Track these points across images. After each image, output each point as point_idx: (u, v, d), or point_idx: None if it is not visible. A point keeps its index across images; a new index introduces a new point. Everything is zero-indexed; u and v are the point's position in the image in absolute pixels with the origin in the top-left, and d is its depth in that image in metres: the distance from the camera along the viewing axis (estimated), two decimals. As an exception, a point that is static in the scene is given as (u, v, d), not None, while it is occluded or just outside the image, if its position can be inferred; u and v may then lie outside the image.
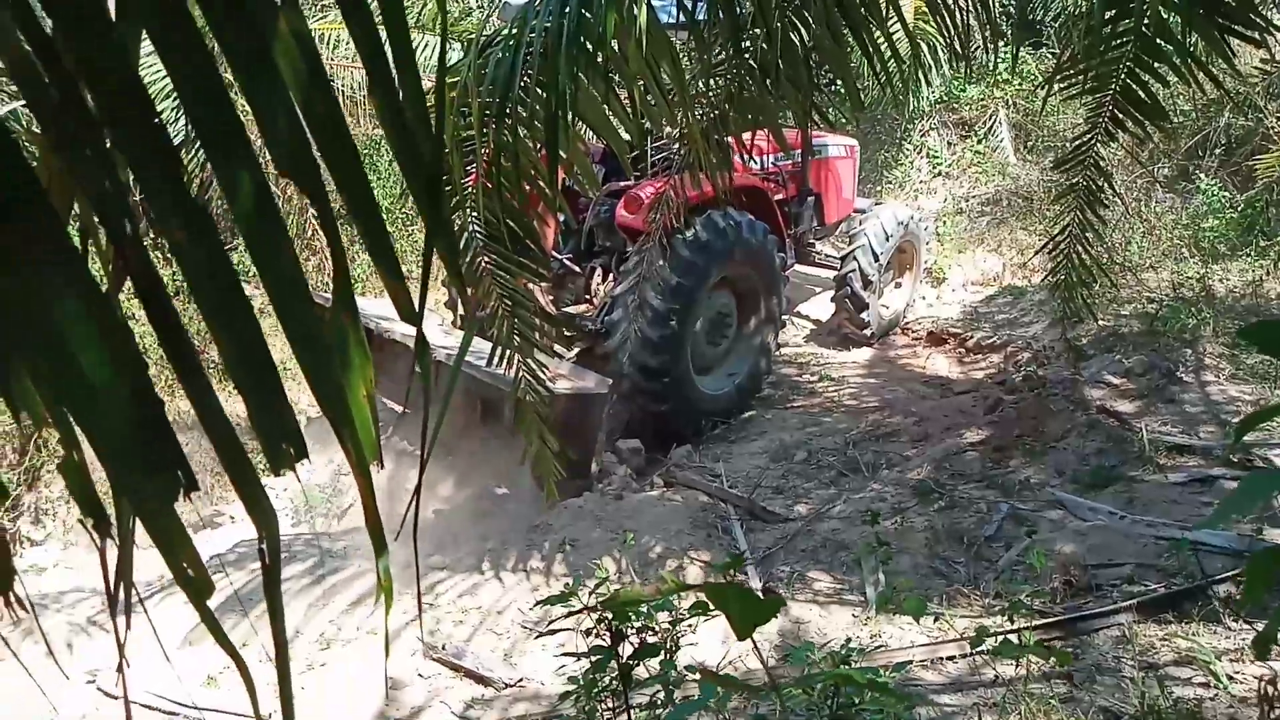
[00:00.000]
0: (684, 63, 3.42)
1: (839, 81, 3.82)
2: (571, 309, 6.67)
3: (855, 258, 7.82)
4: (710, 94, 3.79)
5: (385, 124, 0.69)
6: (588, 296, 6.76)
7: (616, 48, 2.78)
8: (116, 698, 4.17)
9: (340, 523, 6.44)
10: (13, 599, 0.57)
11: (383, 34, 0.69)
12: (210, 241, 0.61)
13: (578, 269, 6.89)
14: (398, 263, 0.68)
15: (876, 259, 7.86)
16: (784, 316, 7.65)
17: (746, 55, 3.51)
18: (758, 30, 3.33)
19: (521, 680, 3.98)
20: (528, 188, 3.33)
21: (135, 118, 0.59)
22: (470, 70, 2.94)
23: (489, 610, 4.57)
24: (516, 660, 4.18)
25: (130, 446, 0.59)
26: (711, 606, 2.11)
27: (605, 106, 3.06)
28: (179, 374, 0.62)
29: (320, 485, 6.70)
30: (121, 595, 0.75)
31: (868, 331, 8.24)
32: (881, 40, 3.39)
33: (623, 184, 6.65)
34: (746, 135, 3.97)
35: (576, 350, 6.68)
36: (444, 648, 4.24)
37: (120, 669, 0.77)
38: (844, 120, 8.37)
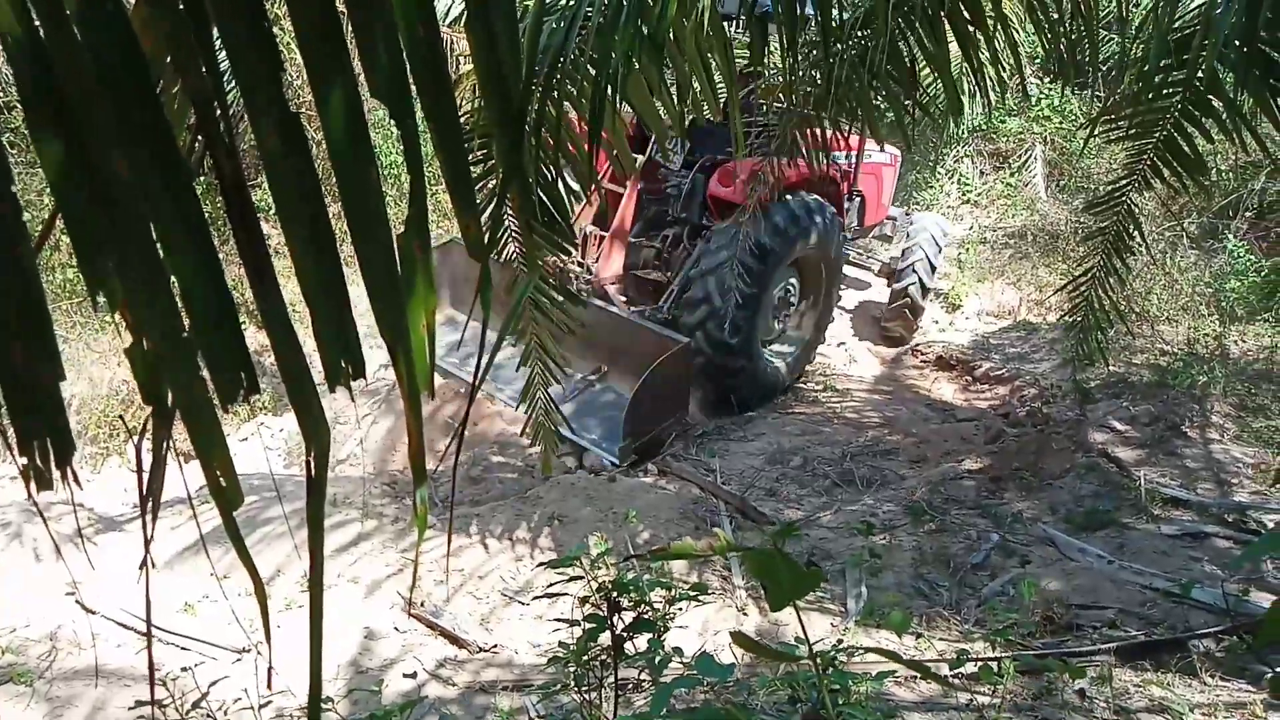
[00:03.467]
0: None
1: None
2: (641, 273, 7.10)
3: (915, 269, 8.25)
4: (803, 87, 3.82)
5: (478, 63, 0.70)
6: (656, 263, 7.12)
7: (672, 34, 2.77)
8: (94, 612, 4.20)
9: (333, 473, 6.46)
10: (69, 474, 0.58)
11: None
12: (299, 149, 0.62)
13: (655, 244, 7.16)
14: (474, 196, 0.69)
15: (934, 269, 8.42)
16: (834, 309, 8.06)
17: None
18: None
19: (496, 646, 4.00)
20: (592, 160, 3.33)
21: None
22: (523, 37, 2.93)
23: (471, 574, 4.59)
24: (493, 626, 4.20)
25: (199, 341, 0.60)
26: (704, 593, 2.14)
27: (650, 92, 3.05)
28: (251, 276, 0.63)
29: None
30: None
31: (914, 339, 8.74)
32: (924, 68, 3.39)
33: (707, 159, 6.96)
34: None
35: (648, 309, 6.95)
36: (423, 605, 4.26)
37: (144, 565, 0.78)
38: (886, 131, 8.44)
